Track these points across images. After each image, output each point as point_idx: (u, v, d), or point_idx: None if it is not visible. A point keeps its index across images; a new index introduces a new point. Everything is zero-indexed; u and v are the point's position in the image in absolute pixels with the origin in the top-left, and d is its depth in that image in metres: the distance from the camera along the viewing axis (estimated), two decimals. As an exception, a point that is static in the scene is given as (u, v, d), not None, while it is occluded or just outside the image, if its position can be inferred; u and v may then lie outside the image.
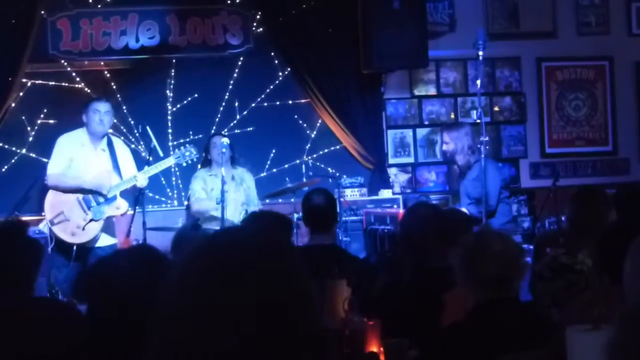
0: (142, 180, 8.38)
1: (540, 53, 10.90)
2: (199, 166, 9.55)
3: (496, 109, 10.77)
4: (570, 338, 2.84)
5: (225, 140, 8.67)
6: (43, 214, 8.69)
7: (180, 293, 1.80)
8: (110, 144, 8.56)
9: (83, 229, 8.25)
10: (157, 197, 9.88)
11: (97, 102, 8.60)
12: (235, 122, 10.03)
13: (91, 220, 8.26)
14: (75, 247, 8.24)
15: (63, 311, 3.87)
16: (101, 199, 8.38)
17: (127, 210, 8.49)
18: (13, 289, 3.77)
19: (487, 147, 8.63)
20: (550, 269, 5.43)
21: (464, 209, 8.63)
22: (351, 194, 9.83)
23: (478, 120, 8.68)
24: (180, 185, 9.94)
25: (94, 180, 8.32)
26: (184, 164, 8.88)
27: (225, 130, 9.86)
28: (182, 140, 9.88)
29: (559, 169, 10.62)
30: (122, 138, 9.24)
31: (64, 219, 8.21)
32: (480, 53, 8.39)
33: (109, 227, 8.50)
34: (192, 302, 1.77)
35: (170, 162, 8.74)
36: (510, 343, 3.75)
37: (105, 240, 8.47)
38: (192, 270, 1.83)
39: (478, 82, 8.82)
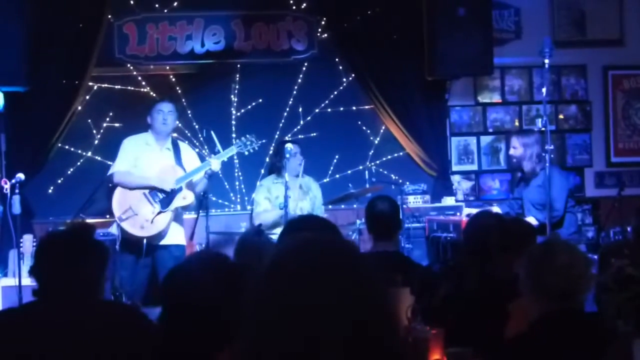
0: (215, 164, 8.40)
1: (606, 61, 10.80)
2: (262, 171, 9.58)
3: (561, 117, 10.69)
4: (638, 352, 2.82)
5: (290, 146, 8.69)
6: (108, 216, 8.78)
7: (269, 291, 1.79)
8: (175, 145, 8.62)
9: (152, 222, 8.28)
10: (220, 201, 9.92)
11: (161, 102, 8.68)
12: (298, 127, 10.06)
13: (159, 212, 8.30)
14: (145, 242, 8.26)
15: (129, 314, 3.91)
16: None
17: (193, 201, 8.50)
18: (81, 291, 3.80)
19: (552, 156, 8.57)
20: (615, 280, 5.38)
21: (531, 217, 8.56)
22: (414, 201, 9.81)
23: (543, 129, 8.62)
24: (244, 190, 9.98)
25: (157, 176, 8.34)
26: (246, 153, 8.82)
27: (289, 135, 9.88)
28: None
29: (625, 179, 10.50)
30: (187, 142, 9.26)
31: (133, 214, 8.24)
32: (547, 61, 8.33)
33: (176, 218, 8.52)
34: (283, 301, 1.76)
35: (233, 151, 8.73)
36: (575, 354, 3.72)
37: (173, 238, 8.47)
38: (286, 270, 1.82)
39: (544, 90, 8.75)
